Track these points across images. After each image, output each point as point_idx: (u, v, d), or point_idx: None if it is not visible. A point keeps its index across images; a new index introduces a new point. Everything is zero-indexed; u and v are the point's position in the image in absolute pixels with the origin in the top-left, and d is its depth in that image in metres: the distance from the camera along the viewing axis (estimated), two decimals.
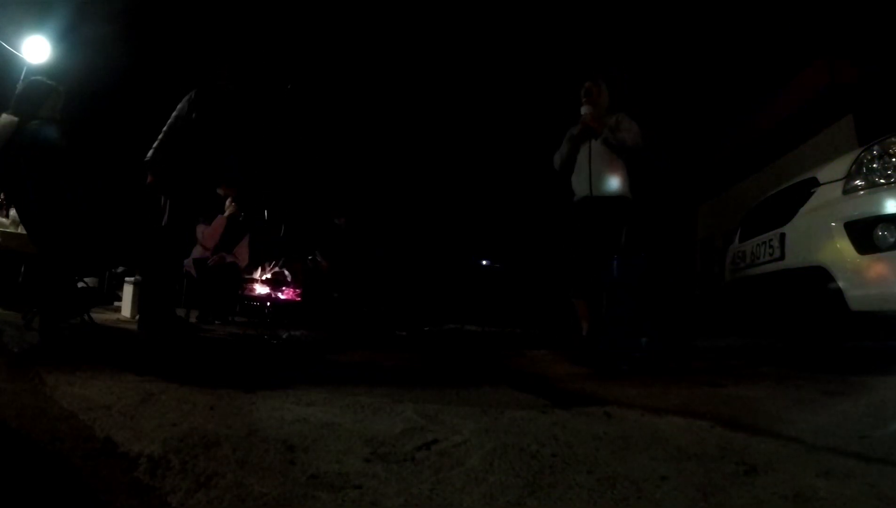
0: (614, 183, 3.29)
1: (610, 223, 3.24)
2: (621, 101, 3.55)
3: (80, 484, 0.92)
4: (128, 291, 4.60)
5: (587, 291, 3.25)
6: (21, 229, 4.09)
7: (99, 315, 3.46)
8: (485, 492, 0.89)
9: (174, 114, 3.29)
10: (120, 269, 3.99)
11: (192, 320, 4.93)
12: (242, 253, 5.37)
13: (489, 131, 11.76)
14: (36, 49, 7.15)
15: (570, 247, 3.37)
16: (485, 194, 12.09)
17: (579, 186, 3.37)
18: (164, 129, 3.29)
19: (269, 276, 5.49)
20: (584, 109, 3.36)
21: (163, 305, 3.23)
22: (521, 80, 10.81)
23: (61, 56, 7.39)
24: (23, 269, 4.85)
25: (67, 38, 7.47)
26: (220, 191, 5.38)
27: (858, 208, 2.16)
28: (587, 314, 3.29)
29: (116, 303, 4.92)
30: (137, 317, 3.63)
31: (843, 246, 2.15)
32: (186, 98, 3.30)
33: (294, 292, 5.33)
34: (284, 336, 3.79)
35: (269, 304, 5.27)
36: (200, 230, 5.25)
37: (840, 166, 2.37)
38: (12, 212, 4.62)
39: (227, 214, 5.48)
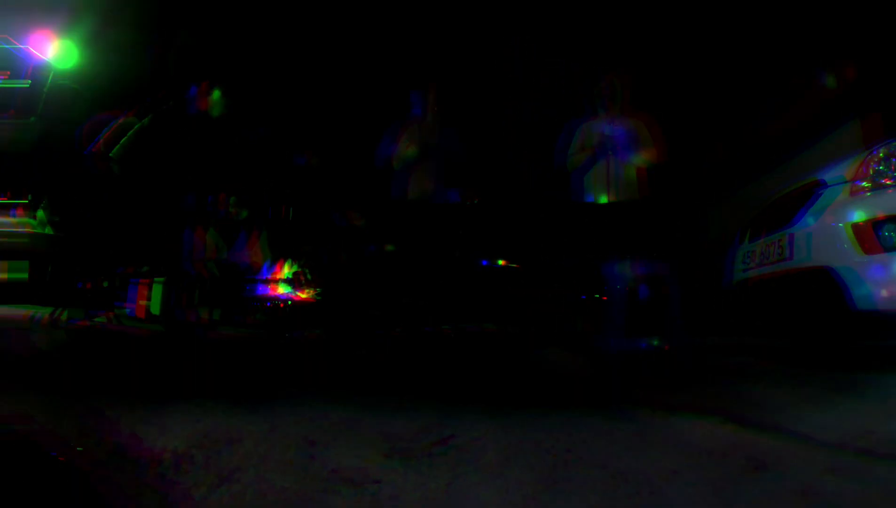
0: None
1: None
2: None
3: (105, 479, 0.95)
4: (156, 290, 4.62)
5: None
6: (48, 230, 4.13)
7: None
8: (501, 487, 0.91)
9: None
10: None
11: (204, 319, 4.96)
12: (255, 251, 5.35)
13: (489, 131, 11.74)
14: (62, 54, 7.20)
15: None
16: (484, 193, 12.05)
17: None
18: None
19: (281, 275, 5.50)
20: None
21: (181, 304, 3.26)
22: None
23: (86, 61, 7.45)
24: (49, 268, 4.89)
25: (94, 44, 7.53)
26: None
27: (864, 208, 2.17)
28: None
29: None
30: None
31: (850, 247, 2.17)
32: None
33: (306, 291, 5.33)
34: (298, 336, 3.81)
35: (281, 304, 5.28)
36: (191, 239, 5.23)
37: (846, 168, 2.38)
38: (40, 212, 4.66)
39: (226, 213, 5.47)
